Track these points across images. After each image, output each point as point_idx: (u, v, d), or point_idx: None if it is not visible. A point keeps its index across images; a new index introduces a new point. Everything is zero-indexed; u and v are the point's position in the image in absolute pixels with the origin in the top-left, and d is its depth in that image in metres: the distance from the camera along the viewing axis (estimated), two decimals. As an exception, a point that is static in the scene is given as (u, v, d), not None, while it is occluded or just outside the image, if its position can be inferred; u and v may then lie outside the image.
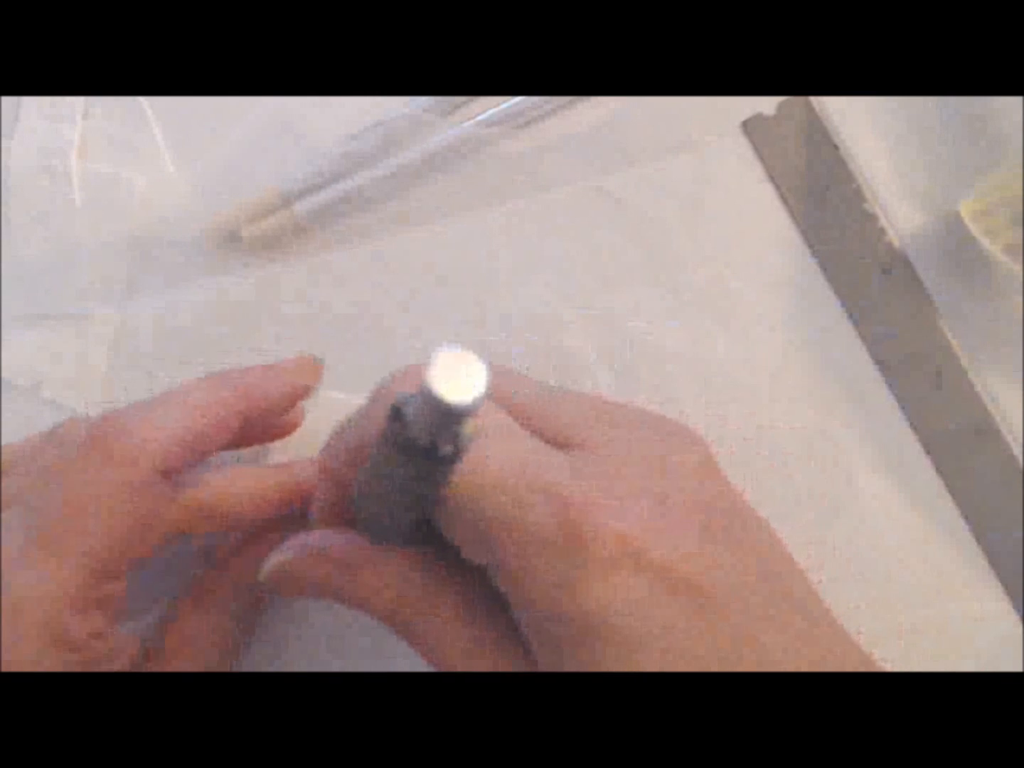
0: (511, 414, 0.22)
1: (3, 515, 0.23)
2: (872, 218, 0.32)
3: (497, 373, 0.21)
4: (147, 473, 0.23)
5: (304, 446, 0.30)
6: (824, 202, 0.32)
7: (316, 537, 0.23)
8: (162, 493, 0.24)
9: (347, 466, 0.23)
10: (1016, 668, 0.29)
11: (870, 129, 0.32)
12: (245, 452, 0.30)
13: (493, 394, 0.22)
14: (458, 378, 0.16)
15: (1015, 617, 0.30)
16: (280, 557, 0.23)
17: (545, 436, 0.22)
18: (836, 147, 0.32)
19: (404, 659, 0.25)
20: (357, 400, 0.31)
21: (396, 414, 0.18)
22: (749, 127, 0.33)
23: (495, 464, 0.20)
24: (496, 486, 0.20)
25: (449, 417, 0.17)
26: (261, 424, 0.28)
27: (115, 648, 0.24)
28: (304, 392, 0.29)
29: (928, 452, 0.31)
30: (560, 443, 0.22)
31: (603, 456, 0.21)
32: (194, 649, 0.26)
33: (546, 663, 0.20)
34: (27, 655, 0.21)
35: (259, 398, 0.27)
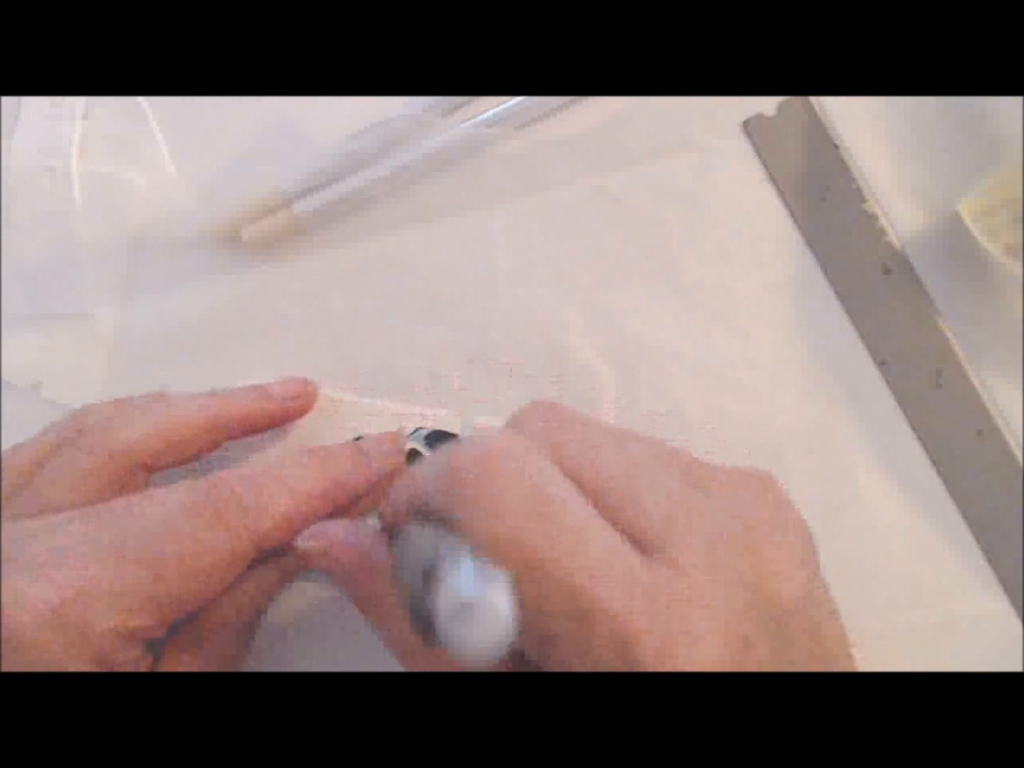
0: (586, 492, 0.19)
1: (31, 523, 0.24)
2: (872, 218, 0.32)
3: (571, 432, 0.20)
4: (116, 457, 0.25)
5: (305, 445, 0.30)
6: (824, 202, 0.32)
7: (327, 533, 0.23)
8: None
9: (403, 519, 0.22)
10: (1016, 668, 0.29)
11: (870, 129, 0.32)
12: (243, 445, 0.30)
13: (571, 465, 0.20)
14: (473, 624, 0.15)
15: (1015, 617, 0.30)
16: (302, 544, 0.23)
17: (621, 525, 0.19)
18: (836, 147, 0.32)
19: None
20: (357, 400, 0.31)
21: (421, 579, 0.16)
22: (749, 127, 0.33)
23: (568, 572, 0.18)
24: (564, 600, 0.18)
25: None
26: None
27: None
28: (294, 415, 0.30)
29: (928, 452, 0.31)
30: (638, 538, 0.19)
31: (686, 576, 0.18)
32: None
33: None
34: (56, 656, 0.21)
35: (241, 415, 0.28)
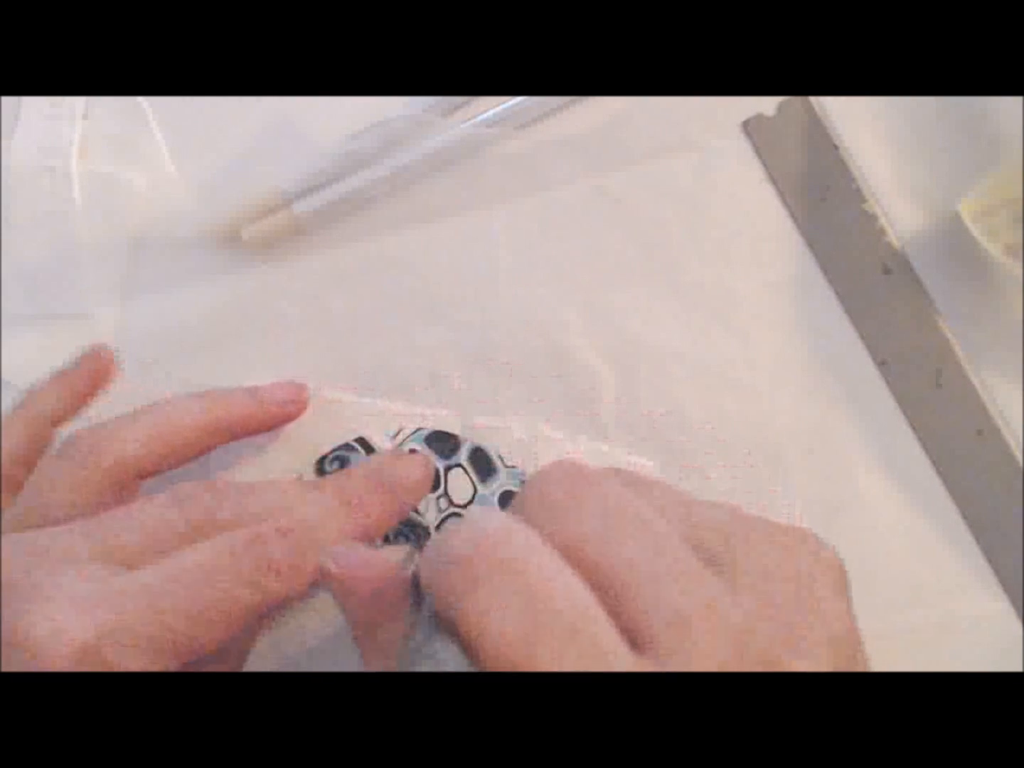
0: (592, 577, 0.18)
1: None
2: (872, 218, 0.32)
3: (589, 507, 0.18)
4: (111, 468, 0.25)
5: (304, 445, 0.30)
6: (824, 202, 0.32)
7: (341, 559, 0.23)
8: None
9: None
10: (1016, 668, 0.29)
11: (870, 129, 0.32)
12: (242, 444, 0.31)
13: (580, 547, 0.18)
14: None
15: (1015, 617, 0.30)
16: (324, 563, 0.23)
17: (624, 617, 0.17)
18: (836, 147, 0.32)
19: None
20: (357, 400, 0.31)
21: None
22: (749, 127, 0.33)
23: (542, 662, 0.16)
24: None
25: None
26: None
27: None
28: (288, 418, 0.30)
29: (928, 452, 0.31)
30: (636, 633, 0.17)
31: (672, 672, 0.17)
32: None
33: None
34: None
35: (235, 419, 0.28)
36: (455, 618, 0.17)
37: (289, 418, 0.30)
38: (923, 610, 0.30)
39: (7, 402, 0.32)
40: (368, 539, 0.26)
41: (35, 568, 0.22)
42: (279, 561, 0.23)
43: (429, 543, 0.19)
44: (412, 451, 0.30)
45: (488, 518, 0.18)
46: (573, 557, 0.18)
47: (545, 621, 0.17)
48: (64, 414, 0.28)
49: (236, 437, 0.28)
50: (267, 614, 0.24)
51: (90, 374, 0.28)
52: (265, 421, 0.29)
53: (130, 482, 0.26)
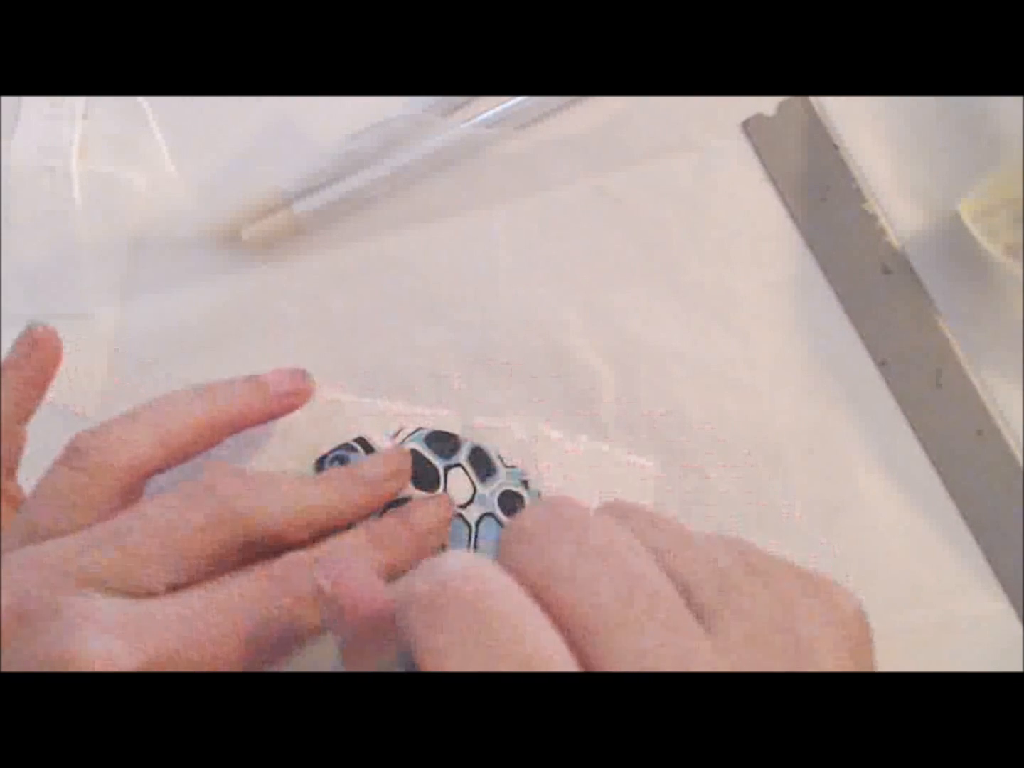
0: (560, 627, 0.17)
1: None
2: (872, 218, 0.32)
3: (564, 549, 0.17)
4: (121, 475, 0.24)
5: (304, 445, 0.30)
6: (824, 202, 0.32)
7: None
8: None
9: None
10: (1016, 668, 0.29)
11: (870, 129, 0.32)
12: (242, 444, 0.31)
13: (551, 591, 0.17)
14: None
15: (1015, 617, 0.30)
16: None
17: (588, 665, 0.17)
18: (836, 147, 0.32)
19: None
20: (357, 400, 0.31)
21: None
22: (749, 127, 0.33)
23: None
24: None
25: None
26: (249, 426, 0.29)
27: None
28: (291, 407, 0.29)
29: (928, 452, 0.31)
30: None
31: None
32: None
33: None
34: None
35: (239, 413, 0.27)
36: (416, 657, 0.17)
37: (293, 407, 0.29)
38: (923, 610, 0.30)
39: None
40: (392, 578, 0.26)
41: (57, 587, 0.22)
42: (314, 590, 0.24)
43: (400, 580, 0.19)
44: (413, 451, 0.30)
45: (455, 558, 0.18)
46: (542, 596, 0.17)
47: (505, 664, 0.16)
48: (28, 410, 0.27)
49: (240, 430, 0.28)
50: (300, 642, 0.24)
51: (39, 359, 0.27)
52: (269, 412, 0.29)
53: (138, 483, 0.26)
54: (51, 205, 0.33)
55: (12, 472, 0.26)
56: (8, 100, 0.33)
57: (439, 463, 0.30)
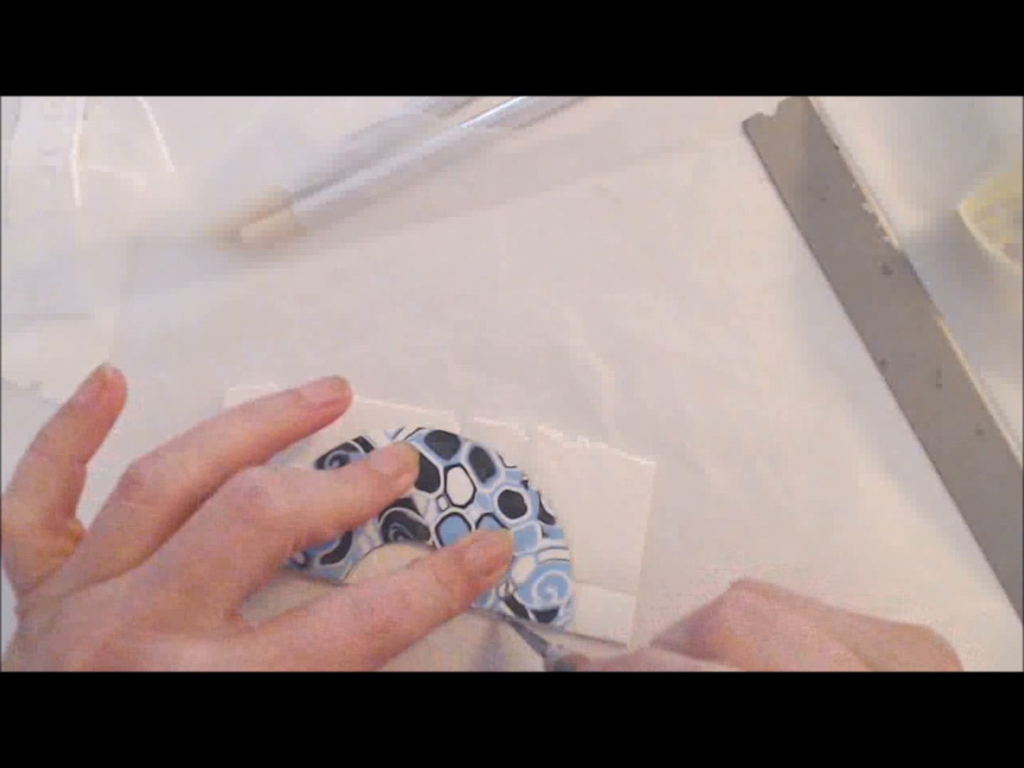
0: None
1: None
2: (872, 218, 0.32)
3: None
4: (179, 501, 0.25)
5: (304, 444, 0.30)
6: (824, 202, 0.32)
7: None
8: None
9: None
10: (1016, 668, 0.29)
11: (870, 129, 0.32)
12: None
13: None
14: None
15: (1015, 617, 0.30)
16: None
17: None
18: (836, 147, 0.32)
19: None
20: (357, 400, 0.31)
21: None
22: (749, 127, 0.33)
23: None
24: None
25: None
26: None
27: None
28: (332, 416, 0.29)
29: (928, 452, 0.31)
30: None
31: None
32: None
33: None
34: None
35: (285, 428, 0.28)
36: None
37: (336, 415, 0.29)
38: (923, 610, 0.30)
39: (7, 402, 0.32)
40: (451, 615, 0.26)
41: (133, 636, 0.22)
42: (393, 625, 0.24)
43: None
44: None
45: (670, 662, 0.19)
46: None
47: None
48: (92, 451, 0.26)
49: (287, 445, 0.28)
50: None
51: (107, 400, 0.26)
52: (312, 423, 0.29)
53: (194, 507, 0.25)
54: (51, 205, 0.33)
55: (72, 510, 0.26)
56: (8, 100, 0.33)
57: (439, 463, 0.30)
